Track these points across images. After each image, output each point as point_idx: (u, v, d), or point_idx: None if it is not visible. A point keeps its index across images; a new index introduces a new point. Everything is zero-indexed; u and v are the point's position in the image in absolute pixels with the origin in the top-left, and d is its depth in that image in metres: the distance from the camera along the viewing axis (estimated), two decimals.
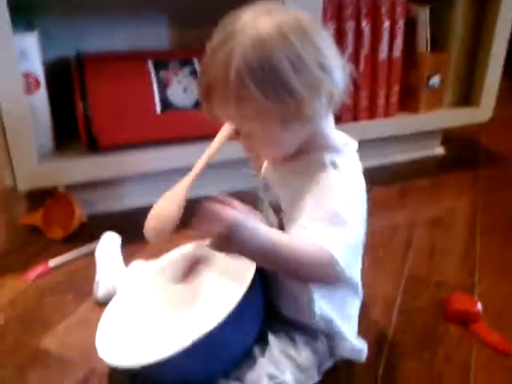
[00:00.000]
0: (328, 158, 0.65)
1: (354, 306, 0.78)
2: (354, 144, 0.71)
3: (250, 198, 0.79)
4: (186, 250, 0.87)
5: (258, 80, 0.59)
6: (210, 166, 0.86)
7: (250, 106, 0.60)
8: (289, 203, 0.68)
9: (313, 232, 0.59)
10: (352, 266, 0.69)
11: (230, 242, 0.55)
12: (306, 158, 0.68)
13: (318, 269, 0.59)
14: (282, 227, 0.69)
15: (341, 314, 0.74)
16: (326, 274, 0.59)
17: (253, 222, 0.57)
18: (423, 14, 1.33)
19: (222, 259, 0.81)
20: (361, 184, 0.67)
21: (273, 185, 0.74)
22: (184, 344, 0.61)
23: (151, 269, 0.86)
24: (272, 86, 0.59)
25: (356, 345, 0.76)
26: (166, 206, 0.84)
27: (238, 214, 0.57)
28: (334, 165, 0.65)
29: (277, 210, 0.71)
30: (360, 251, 0.71)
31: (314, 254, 0.57)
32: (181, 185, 0.85)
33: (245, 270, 0.69)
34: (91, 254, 1.02)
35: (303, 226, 0.61)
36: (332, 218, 0.61)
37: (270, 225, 0.72)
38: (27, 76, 1.05)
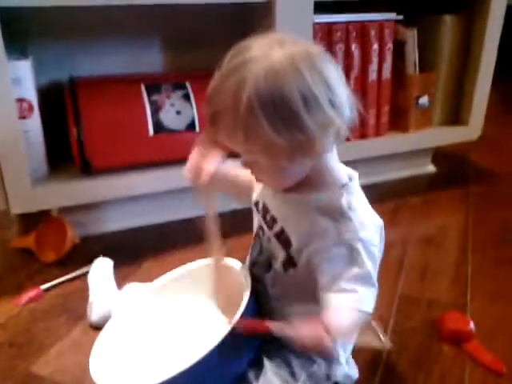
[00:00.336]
0: (345, 201, 0.65)
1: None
2: (355, 176, 0.70)
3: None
4: (182, 270, 0.87)
5: (269, 113, 0.57)
6: None
7: (258, 138, 0.59)
8: (301, 240, 0.67)
9: (352, 296, 0.63)
10: None
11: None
12: (316, 195, 0.67)
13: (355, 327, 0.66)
14: (290, 261, 0.69)
15: None
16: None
17: None
18: (411, 36, 1.36)
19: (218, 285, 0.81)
20: (378, 223, 0.68)
21: (272, 210, 0.73)
22: (176, 371, 0.61)
23: (147, 290, 0.86)
24: (283, 121, 0.58)
25: (349, 370, 0.76)
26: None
27: None
28: (351, 208, 0.65)
29: (286, 244, 0.69)
30: None
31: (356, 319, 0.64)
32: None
33: (240, 297, 0.69)
34: (84, 276, 1.02)
35: (342, 289, 0.63)
36: (365, 279, 0.63)
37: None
38: (21, 102, 1.06)
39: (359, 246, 0.63)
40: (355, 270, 0.63)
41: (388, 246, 1.17)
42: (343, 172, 0.70)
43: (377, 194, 1.46)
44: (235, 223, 0.96)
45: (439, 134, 1.50)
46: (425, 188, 1.52)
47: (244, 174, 0.81)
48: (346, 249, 0.63)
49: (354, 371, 0.77)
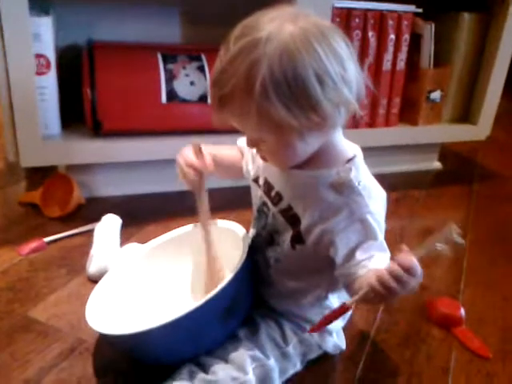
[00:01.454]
0: (354, 177, 0.65)
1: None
2: (359, 151, 0.71)
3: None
4: (181, 231, 0.89)
5: (284, 95, 0.56)
6: None
7: (271, 119, 0.58)
8: (312, 218, 0.67)
9: (375, 263, 0.62)
10: None
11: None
12: (324, 171, 0.67)
13: None
14: (299, 238, 0.70)
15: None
16: None
17: None
18: (428, 30, 1.37)
19: (213, 243, 0.83)
20: (383, 195, 0.69)
21: (276, 186, 0.73)
22: (170, 317, 0.63)
23: (144, 249, 0.88)
24: (297, 101, 0.57)
25: (338, 341, 0.78)
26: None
27: None
28: (359, 182, 0.65)
29: (293, 221, 0.70)
30: None
31: None
32: None
33: (235, 257, 0.71)
34: (86, 233, 1.04)
35: (361, 260, 0.63)
36: (380, 248, 0.64)
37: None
38: (39, 58, 1.07)
39: (371, 220, 0.64)
40: (370, 242, 0.64)
41: (386, 232, 1.20)
42: (348, 147, 0.70)
43: (381, 184, 1.49)
44: (235, 198, 0.97)
45: (448, 131, 1.51)
46: (429, 183, 1.54)
47: (231, 154, 0.82)
48: (360, 223, 0.64)
49: (342, 342, 0.80)
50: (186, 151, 0.76)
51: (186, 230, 0.88)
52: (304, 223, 0.68)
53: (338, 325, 0.78)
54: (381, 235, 0.65)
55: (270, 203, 0.73)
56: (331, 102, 0.59)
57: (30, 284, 0.91)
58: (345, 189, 0.66)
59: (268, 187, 0.74)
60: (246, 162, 0.81)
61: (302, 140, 0.62)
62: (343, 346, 0.79)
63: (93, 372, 0.73)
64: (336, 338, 0.78)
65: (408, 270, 0.55)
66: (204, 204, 0.77)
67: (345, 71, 0.59)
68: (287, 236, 0.70)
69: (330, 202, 0.66)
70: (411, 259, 0.56)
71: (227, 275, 0.69)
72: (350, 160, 0.68)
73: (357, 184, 0.65)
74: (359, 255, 0.64)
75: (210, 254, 0.79)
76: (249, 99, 0.57)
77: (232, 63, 0.58)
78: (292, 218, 0.70)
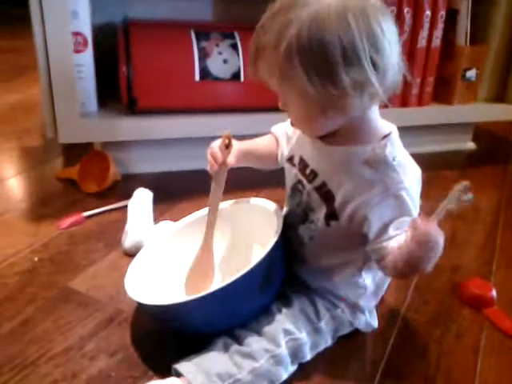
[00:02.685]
0: (389, 153, 0.65)
1: (386, 283, 0.80)
2: (394, 128, 0.70)
3: None
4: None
5: (306, 60, 0.58)
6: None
7: (292, 82, 0.60)
8: (346, 194, 0.68)
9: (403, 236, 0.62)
10: None
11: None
12: (360, 147, 0.67)
13: None
14: (333, 215, 0.70)
15: (375, 289, 0.77)
16: None
17: None
18: (465, 6, 1.34)
19: (247, 223, 0.85)
20: (418, 172, 0.69)
21: (311, 164, 0.73)
22: (208, 290, 0.65)
23: (178, 225, 0.90)
24: (318, 70, 0.58)
25: (371, 320, 0.79)
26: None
27: None
28: (394, 159, 0.65)
29: (328, 198, 0.70)
30: None
31: None
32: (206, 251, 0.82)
33: (268, 234, 0.72)
34: (122, 209, 1.07)
35: (393, 236, 0.64)
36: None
37: None
38: (76, 35, 1.10)
39: (405, 196, 0.65)
40: (403, 218, 0.64)
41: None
42: (383, 125, 0.70)
43: None
44: (265, 176, 0.97)
45: (483, 110, 1.48)
46: (462, 164, 1.51)
47: (267, 144, 0.83)
48: (394, 199, 0.65)
49: (374, 321, 0.80)
50: (214, 142, 0.77)
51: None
52: (338, 200, 0.69)
53: (371, 303, 0.79)
54: (415, 211, 0.65)
55: (305, 181, 0.74)
56: (353, 80, 0.58)
57: (70, 256, 0.94)
58: (380, 165, 0.66)
59: (303, 165, 0.75)
60: (281, 148, 0.81)
61: (324, 114, 0.63)
62: (375, 324, 0.80)
63: (130, 341, 0.76)
64: (368, 317, 0.79)
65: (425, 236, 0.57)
66: (215, 197, 0.78)
67: (377, 54, 0.58)
68: (321, 213, 0.71)
69: (365, 177, 0.66)
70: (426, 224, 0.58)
71: (260, 251, 0.71)
72: (385, 137, 0.68)
73: (392, 160, 0.66)
74: (392, 230, 0.64)
75: (206, 246, 0.81)
76: (275, 57, 0.59)
77: (270, 20, 0.60)
78: (326, 195, 0.70)
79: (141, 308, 0.79)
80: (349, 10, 0.57)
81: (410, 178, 0.66)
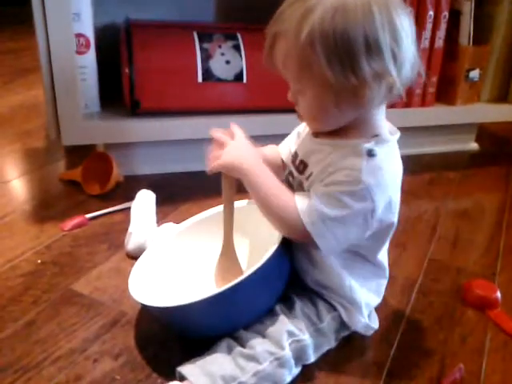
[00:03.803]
0: (366, 146, 0.65)
1: (381, 285, 0.80)
2: (397, 135, 0.70)
3: None
4: (216, 210, 0.90)
5: (328, 48, 0.58)
6: None
7: (310, 69, 0.61)
8: (315, 176, 0.69)
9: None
10: (342, 242, 0.69)
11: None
12: (347, 142, 0.67)
13: (282, 213, 0.67)
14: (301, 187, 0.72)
15: (367, 289, 0.77)
16: (287, 223, 0.68)
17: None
18: (468, 7, 1.33)
19: (252, 225, 0.84)
20: (394, 175, 0.68)
21: (299, 153, 0.75)
22: (212, 292, 0.65)
23: (181, 227, 0.90)
24: (340, 58, 0.58)
25: (370, 322, 0.78)
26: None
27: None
28: (370, 153, 0.64)
29: (301, 171, 0.72)
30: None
31: (285, 201, 0.67)
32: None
33: (272, 237, 0.72)
34: (126, 211, 1.06)
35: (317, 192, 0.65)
36: (327, 196, 0.64)
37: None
38: (79, 37, 1.10)
39: (361, 189, 0.63)
40: (335, 194, 0.64)
41: (421, 213, 1.20)
42: (387, 130, 0.70)
43: (415, 165, 1.48)
44: None
45: (486, 111, 1.48)
46: (465, 164, 1.51)
47: (270, 152, 0.83)
48: (350, 182, 0.64)
49: (374, 322, 0.79)
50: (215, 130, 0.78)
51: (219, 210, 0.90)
52: (308, 178, 0.70)
53: (370, 303, 0.78)
54: (357, 205, 0.64)
55: (295, 172, 0.75)
56: (373, 70, 0.59)
57: (73, 259, 0.94)
58: (353, 154, 0.65)
59: (294, 156, 0.76)
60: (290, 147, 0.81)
61: (337, 106, 0.64)
62: (375, 327, 0.79)
63: (134, 344, 0.75)
64: (367, 319, 0.77)
65: None
66: (228, 193, 0.77)
67: (398, 47, 0.60)
68: None
69: (335, 164, 0.66)
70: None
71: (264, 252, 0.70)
72: (376, 136, 0.67)
73: (365, 153, 0.64)
74: (320, 189, 0.65)
75: (229, 248, 0.80)
76: (295, 43, 0.60)
77: (291, 5, 0.60)
78: (301, 169, 0.72)
79: (145, 310, 0.79)
80: (374, 2, 0.58)
81: (376, 179, 0.64)
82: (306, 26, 0.58)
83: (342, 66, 0.59)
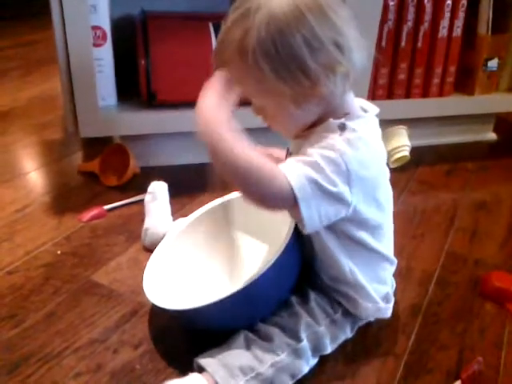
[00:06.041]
0: (337, 121, 0.65)
1: (385, 270, 0.78)
2: (374, 110, 0.70)
3: None
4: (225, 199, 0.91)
5: (273, 62, 0.60)
6: None
7: (264, 86, 0.62)
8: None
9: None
10: (320, 209, 0.64)
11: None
12: (320, 127, 0.68)
13: (266, 180, 0.61)
14: None
15: (372, 276, 0.76)
16: (272, 190, 0.62)
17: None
18: None
19: (260, 219, 0.84)
20: (370, 148, 0.66)
21: (293, 148, 0.76)
22: (227, 293, 0.66)
23: (192, 217, 0.90)
24: (286, 67, 0.60)
25: (382, 306, 0.76)
26: None
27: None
28: (342, 127, 0.64)
29: None
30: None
31: (269, 168, 0.62)
32: None
33: (282, 230, 0.72)
34: (143, 202, 1.06)
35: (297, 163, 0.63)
36: (309, 162, 0.62)
37: None
38: (95, 29, 1.10)
39: (337, 158, 0.62)
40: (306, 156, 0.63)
41: (438, 205, 1.19)
42: (359, 106, 0.70)
43: (432, 156, 1.47)
44: None
45: (505, 100, 1.45)
46: (483, 155, 1.49)
47: (278, 154, 0.82)
48: (323, 148, 0.63)
49: (386, 306, 0.77)
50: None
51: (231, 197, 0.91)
52: None
53: (378, 288, 0.77)
54: (332, 182, 0.62)
55: None
56: (322, 65, 0.60)
57: (92, 250, 0.95)
58: (327, 132, 0.65)
59: (288, 155, 0.77)
60: None
61: (299, 107, 0.65)
62: (387, 314, 0.77)
63: (154, 334, 0.77)
64: (381, 303, 0.76)
65: None
66: None
67: (340, 36, 0.61)
68: None
69: (316, 141, 0.65)
70: None
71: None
72: (346, 114, 0.67)
73: (337, 128, 0.64)
74: (302, 160, 0.63)
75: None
76: (244, 67, 0.61)
77: (227, 34, 0.62)
78: None
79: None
80: (300, 4, 0.59)
81: (356, 152, 0.63)
82: (247, 47, 0.59)
83: (291, 73, 0.60)
